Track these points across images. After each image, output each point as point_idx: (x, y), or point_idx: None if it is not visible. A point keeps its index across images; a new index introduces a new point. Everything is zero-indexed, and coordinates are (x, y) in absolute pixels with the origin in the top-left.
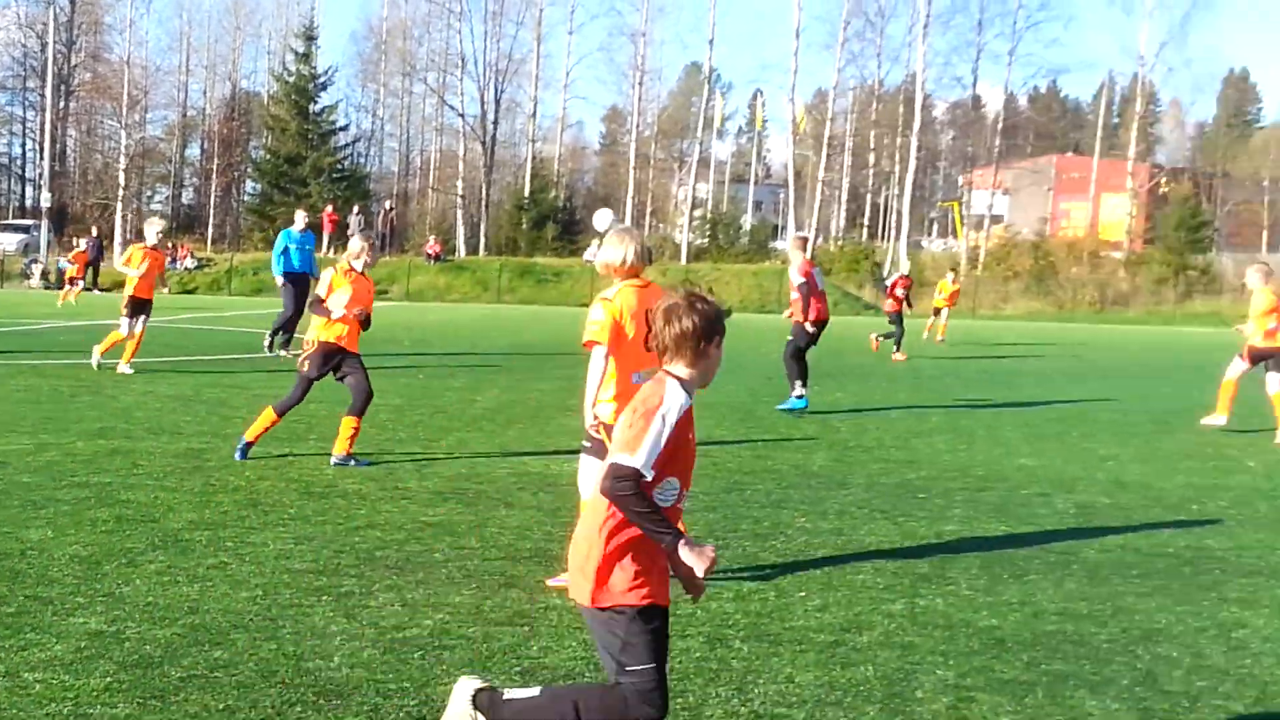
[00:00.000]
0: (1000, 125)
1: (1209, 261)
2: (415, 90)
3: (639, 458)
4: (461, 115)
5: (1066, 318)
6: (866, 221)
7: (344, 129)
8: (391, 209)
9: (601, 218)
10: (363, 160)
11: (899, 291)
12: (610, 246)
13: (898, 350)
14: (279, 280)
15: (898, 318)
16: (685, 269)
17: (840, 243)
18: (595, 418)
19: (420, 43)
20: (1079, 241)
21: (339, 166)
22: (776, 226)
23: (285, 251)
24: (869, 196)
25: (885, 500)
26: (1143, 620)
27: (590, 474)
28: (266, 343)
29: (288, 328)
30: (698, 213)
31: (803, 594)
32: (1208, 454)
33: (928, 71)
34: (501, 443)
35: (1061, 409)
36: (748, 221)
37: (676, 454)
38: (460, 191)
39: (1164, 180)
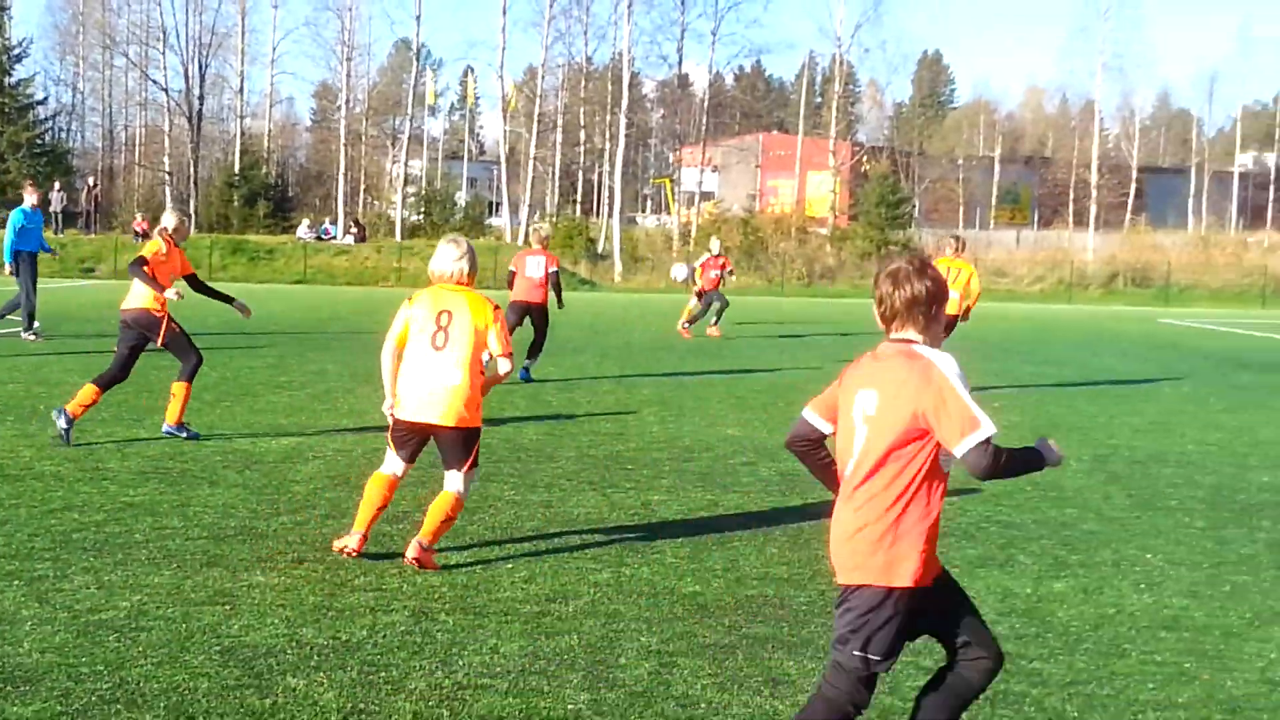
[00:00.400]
0: (706, 103)
1: (909, 237)
2: (117, 64)
3: (986, 423)
4: (165, 90)
5: (776, 291)
6: (579, 198)
7: (42, 103)
8: (95, 185)
9: (678, 270)
10: (64, 135)
11: (712, 273)
12: (443, 257)
13: (716, 323)
14: (8, 266)
15: (717, 295)
16: (400, 245)
17: (554, 220)
18: (390, 408)
19: (119, 14)
20: (786, 217)
21: (38, 141)
22: (491, 203)
23: (20, 230)
24: (582, 173)
25: (594, 472)
26: None
27: (389, 459)
28: (25, 335)
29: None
30: (411, 189)
31: (509, 566)
32: None
33: (634, 50)
34: (208, 421)
35: (769, 380)
36: (462, 198)
37: None
38: (167, 168)
39: (865, 158)
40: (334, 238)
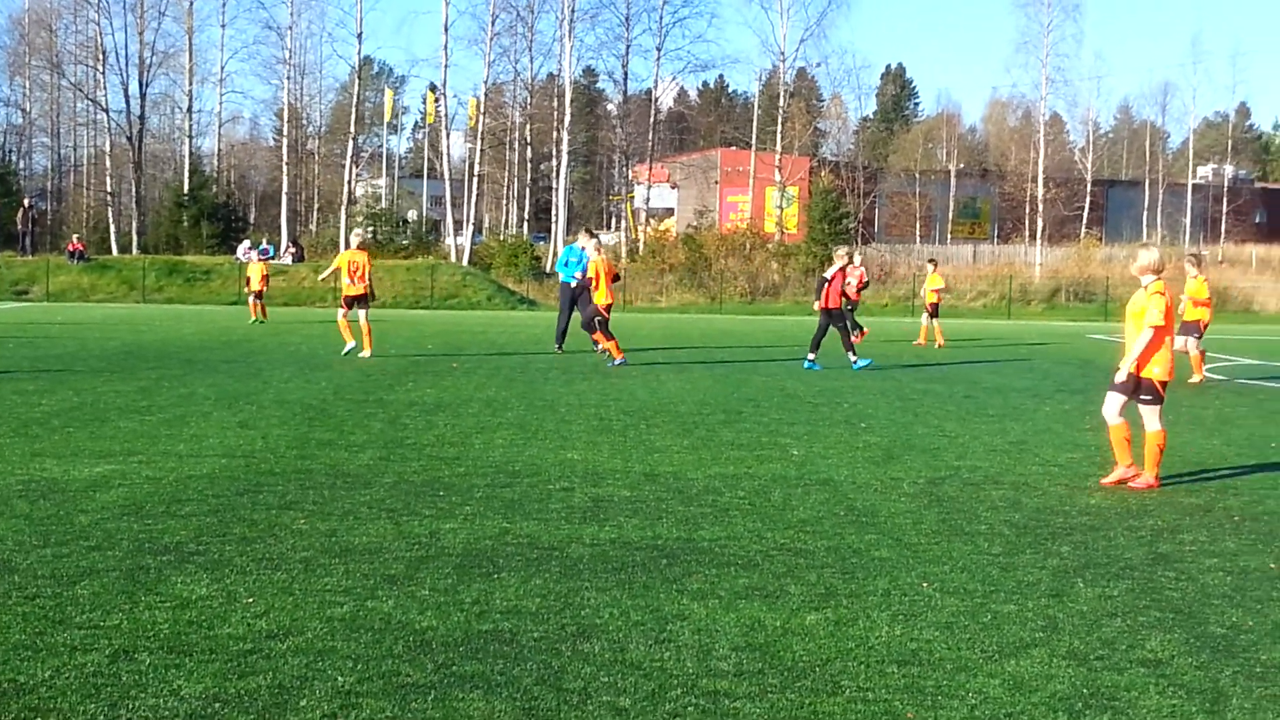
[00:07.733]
0: (654, 119)
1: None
2: (64, 84)
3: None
4: (106, 110)
5: (716, 309)
6: (527, 215)
7: None
8: (31, 206)
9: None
10: (13, 156)
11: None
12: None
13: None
14: None
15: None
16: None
17: (502, 238)
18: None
19: (64, 36)
20: (733, 234)
21: None
22: (437, 222)
23: None
24: (535, 191)
25: (401, 499)
26: (588, 616)
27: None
28: None
29: None
30: (357, 208)
31: (250, 599)
32: (763, 443)
33: (579, 66)
34: (38, 449)
35: (642, 401)
36: (413, 215)
37: None
38: (109, 188)
39: (823, 174)
40: (272, 257)
